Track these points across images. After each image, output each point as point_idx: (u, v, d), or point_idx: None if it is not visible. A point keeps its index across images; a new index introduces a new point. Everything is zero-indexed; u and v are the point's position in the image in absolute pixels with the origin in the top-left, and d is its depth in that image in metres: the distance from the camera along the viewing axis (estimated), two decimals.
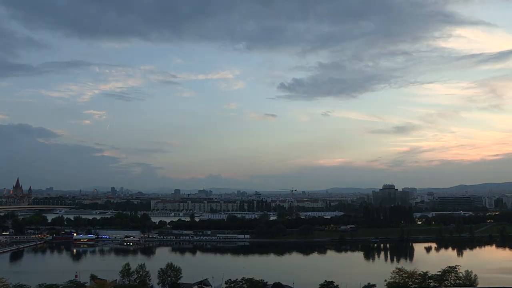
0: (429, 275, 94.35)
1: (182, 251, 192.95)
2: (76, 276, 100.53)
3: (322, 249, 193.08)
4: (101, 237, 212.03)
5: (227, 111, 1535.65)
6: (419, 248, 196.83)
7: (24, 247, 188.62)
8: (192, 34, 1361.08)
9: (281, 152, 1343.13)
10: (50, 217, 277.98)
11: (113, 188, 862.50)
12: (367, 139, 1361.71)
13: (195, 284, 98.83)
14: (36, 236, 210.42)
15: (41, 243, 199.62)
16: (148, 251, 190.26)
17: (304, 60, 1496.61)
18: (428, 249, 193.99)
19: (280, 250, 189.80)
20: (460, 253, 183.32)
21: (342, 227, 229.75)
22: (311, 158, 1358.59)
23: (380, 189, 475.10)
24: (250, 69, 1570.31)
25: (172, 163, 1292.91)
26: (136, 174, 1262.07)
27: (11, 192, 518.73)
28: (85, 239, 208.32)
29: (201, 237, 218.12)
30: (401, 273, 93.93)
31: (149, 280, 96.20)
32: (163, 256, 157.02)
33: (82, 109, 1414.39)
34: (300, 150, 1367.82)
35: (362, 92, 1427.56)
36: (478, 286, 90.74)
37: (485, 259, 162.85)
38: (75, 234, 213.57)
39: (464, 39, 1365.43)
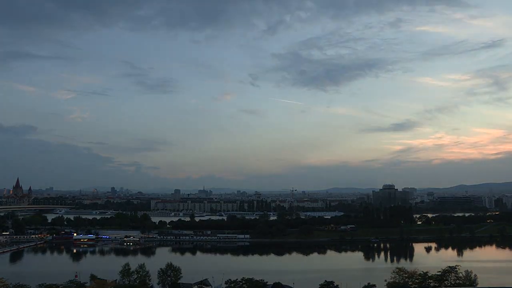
0: (429, 275, 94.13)
1: (182, 251, 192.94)
2: (76, 276, 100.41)
3: (322, 249, 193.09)
4: (101, 237, 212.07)
5: (209, 107, 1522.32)
6: (419, 248, 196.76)
7: (24, 247, 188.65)
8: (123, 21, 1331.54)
9: (274, 150, 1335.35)
10: (50, 217, 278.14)
11: (113, 188, 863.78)
12: (362, 137, 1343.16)
13: (195, 284, 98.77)
14: (36, 236, 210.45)
15: (41, 243, 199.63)
16: (148, 251, 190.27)
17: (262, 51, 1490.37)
18: (428, 249, 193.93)
19: (280, 250, 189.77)
20: (460, 253, 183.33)
21: (342, 227, 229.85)
22: (307, 157, 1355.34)
23: (380, 189, 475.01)
24: (209, 61, 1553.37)
25: (164, 162, 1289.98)
26: (129, 174, 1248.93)
27: (11, 192, 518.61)
28: (85, 239, 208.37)
29: (201, 237, 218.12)
30: (401, 273, 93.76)
31: (149, 280, 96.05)
32: (163, 256, 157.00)
33: (60, 105, 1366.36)
34: (293, 148, 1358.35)
35: (341, 84, 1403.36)
36: (478, 286, 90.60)
37: (485, 259, 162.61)
38: (75, 234, 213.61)
39: (435, 21, 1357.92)
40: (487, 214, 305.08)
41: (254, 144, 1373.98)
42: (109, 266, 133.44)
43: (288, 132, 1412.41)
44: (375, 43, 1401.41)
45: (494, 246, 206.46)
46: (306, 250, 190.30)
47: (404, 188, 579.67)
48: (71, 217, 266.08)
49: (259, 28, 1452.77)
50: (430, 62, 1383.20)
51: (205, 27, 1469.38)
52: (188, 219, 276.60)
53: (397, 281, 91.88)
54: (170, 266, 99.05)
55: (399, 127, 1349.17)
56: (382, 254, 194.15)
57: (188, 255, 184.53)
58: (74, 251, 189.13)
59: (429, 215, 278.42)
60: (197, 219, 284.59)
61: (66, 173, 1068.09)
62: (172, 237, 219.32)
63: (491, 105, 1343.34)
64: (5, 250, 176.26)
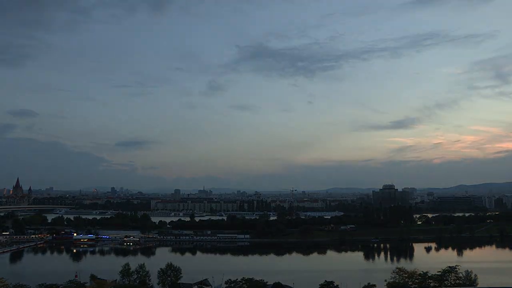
0: (429, 275, 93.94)
1: (182, 251, 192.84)
2: (76, 276, 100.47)
3: (322, 249, 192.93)
4: (101, 237, 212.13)
5: (191, 103, 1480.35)
6: (419, 248, 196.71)
7: (24, 247, 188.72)
8: None
9: (268, 149, 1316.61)
10: (50, 217, 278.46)
11: (113, 188, 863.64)
12: (359, 135, 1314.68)
13: (195, 284, 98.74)
14: (36, 236, 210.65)
15: (41, 243, 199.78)
16: (148, 251, 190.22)
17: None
18: (428, 249, 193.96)
19: (280, 250, 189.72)
20: (460, 253, 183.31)
21: (342, 227, 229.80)
22: (304, 156, 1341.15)
23: (380, 189, 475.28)
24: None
25: (162, 162, 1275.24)
26: (126, 174, 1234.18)
27: (11, 192, 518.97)
28: (85, 239, 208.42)
29: (201, 237, 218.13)
30: (401, 273, 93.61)
31: (149, 280, 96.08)
32: (163, 256, 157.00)
33: (36, 103, 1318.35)
34: (288, 147, 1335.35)
35: (320, 77, 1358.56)
36: (478, 286, 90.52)
37: (485, 259, 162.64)
38: (75, 234, 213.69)
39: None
40: (487, 214, 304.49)
41: (246, 142, 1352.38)
42: (109, 266, 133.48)
43: (279, 129, 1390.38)
44: (337, 31, 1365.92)
45: (494, 246, 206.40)
46: (306, 250, 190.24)
47: (404, 188, 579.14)
48: (71, 217, 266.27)
49: (215, 16, 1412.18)
50: (417, 52, 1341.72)
51: (154, 16, 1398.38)
52: (188, 219, 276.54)
53: (397, 281, 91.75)
54: (170, 266, 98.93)
55: (398, 124, 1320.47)
56: (382, 254, 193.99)
57: (188, 255, 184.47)
58: (74, 251, 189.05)
59: (429, 215, 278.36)
60: (197, 219, 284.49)
61: (63, 173, 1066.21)
62: (172, 237, 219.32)
63: (494, 100, 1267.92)
64: (5, 250, 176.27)
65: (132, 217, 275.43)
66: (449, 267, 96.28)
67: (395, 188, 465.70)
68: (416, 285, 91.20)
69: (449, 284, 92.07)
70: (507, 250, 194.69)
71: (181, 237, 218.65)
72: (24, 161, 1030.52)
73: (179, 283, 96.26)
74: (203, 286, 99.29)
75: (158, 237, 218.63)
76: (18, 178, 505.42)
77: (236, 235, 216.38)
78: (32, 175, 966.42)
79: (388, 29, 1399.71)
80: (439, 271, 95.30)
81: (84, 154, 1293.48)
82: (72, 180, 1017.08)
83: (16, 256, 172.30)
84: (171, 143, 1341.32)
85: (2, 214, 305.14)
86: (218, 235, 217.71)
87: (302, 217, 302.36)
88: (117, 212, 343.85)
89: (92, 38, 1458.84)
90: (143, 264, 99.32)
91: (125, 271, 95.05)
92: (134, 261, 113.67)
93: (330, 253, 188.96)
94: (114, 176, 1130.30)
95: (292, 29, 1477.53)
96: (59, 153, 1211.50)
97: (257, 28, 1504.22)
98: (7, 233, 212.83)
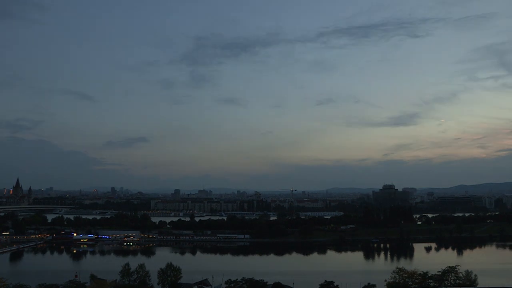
0: (429, 275, 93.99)
1: (182, 251, 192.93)
2: (76, 276, 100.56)
3: (322, 249, 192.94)
4: (101, 237, 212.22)
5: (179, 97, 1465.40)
6: (419, 248, 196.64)
7: (24, 247, 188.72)
8: None
9: (259, 147, 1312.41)
10: (50, 217, 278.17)
11: (113, 188, 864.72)
12: (355, 132, 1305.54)
13: (195, 284, 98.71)
14: (36, 236, 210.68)
15: (41, 243, 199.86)
16: (148, 251, 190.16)
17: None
18: (428, 249, 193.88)
19: (280, 250, 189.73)
20: (460, 253, 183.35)
21: (342, 227, 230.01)
22: (302, 154, 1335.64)
23: (380, 189, 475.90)
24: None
25: (160, 162, 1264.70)
26: (123, 173, 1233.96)
27: (11, 192, 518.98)
28: (85, 239, 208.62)
29: (201, 237, 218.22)
30: (401, 273, 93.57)
31: (149, 280, 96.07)
32: (163, 256, 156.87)
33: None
34: (283, 145, 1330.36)
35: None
36: (478, 286, 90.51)
37: (485, 259, 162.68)
38: (75, 234, 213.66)
39: None
40: (487, 214, 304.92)
41: (239, 140, 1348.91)
42: (109, 266, 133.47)
43: (272, 126, 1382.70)
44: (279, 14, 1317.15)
45: (494, 246, 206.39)
46: (306, 250, 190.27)
47: (404, 188, 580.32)
48: (71, 217, 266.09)
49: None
50: (385, 32, 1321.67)
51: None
52: (188, 219, 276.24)
53: (397, 281, 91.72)
54: (170, 266, 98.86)
55: (395, 121, 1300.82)
56: (382, 254, 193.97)
57: (188, 255, 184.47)
58: (74, 251, 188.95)
59: (429, 215, 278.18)
60: (197, 219, 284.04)
61: (60, 173, 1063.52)
62: (172, 237, 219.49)
63: (497, 92, 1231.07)
64: (5, 250, 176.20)
65: (132, 217, 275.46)
66: (449, 267, 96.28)
67: (395, 188, 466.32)
68: (416, 285, 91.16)
69: (449, 284, 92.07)
70: (507, 250, 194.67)
71: (181, 237, 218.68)
72: (24, 161, 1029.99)
73: (179, 283, 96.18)
74: (203, 286, 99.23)
75: (158, 237, 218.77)
76: (18, 178, 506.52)
77: (236, 235, 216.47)
78: (32, 175, 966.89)
79: (339, 7, 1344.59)
80: (439, 271, 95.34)
81: (75, 154, 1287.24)
82: (68, 179, 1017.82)
83: (16, 256, 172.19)
84: (160, 142, 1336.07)
85: (2, 214, 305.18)
86: (218, 235, 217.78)
87: (302, 217, 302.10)
88: (117, 212, 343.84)
89: (29, 25, 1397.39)
90: (143, 264, 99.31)
91: (125, 271, 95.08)
92: (134, 261, 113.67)
93: (330, 253, 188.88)
94: (110, 176, 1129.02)
95: (236, 16, 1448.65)
96: (49, 153, 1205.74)
97: (201, 18, 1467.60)
98: (7, 233, 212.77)
